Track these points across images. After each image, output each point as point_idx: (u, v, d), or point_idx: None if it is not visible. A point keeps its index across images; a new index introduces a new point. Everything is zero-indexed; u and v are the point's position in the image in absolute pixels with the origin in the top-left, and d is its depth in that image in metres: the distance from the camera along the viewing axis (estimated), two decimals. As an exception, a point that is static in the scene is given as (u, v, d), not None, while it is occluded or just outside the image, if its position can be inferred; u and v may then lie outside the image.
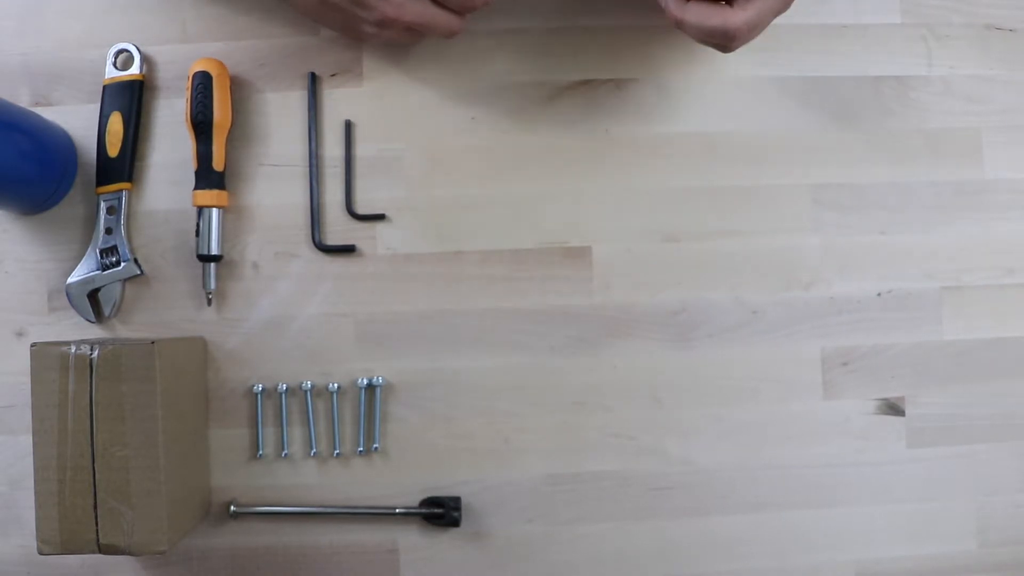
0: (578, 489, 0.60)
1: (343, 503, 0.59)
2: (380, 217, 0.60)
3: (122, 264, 0.57)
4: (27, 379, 0.49)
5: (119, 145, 0.58)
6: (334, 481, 0.59)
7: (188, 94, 0.57)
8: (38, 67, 0.59)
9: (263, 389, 0.58)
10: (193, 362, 0.57)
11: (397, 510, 0.58)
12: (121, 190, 0.58)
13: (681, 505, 0.60)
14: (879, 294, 0.61)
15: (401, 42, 0.57)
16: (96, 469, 0.49)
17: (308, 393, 0.58)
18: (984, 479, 0.61)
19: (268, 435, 0.59)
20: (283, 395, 0.58)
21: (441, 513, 0.58)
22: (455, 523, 0.58)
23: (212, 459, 0.58)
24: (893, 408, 0.61)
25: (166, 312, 0.59)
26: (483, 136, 0.60)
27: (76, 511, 0.49)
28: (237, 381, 0.59)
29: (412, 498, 0.59)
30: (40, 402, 0.49)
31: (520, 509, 0.60)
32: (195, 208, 0.57)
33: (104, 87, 0.58)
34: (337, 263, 0.59)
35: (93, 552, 0.49)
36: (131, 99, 0.58)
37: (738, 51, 0.51)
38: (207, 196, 0.57)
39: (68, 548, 0.49)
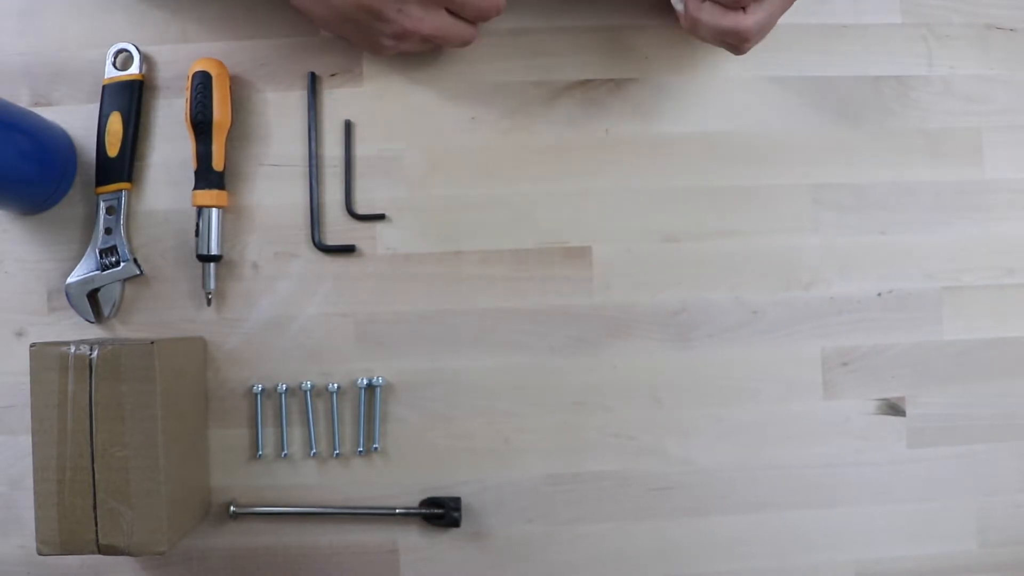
0: (578, 489, 0.60)
1: (343, 503, 0.59)
2: (380, 217, 0.60)
3: (122, 264, 0.57)
4: (26, 379, 0.49)
5: (119, 145, 0.57)
6: (334, 481, 0.59)
7: (188, 94, 0.57)
8: (38, 67, 0.59)
9: (263, 389, 0.58)
10: (193, 362, 0.57)
11: (397, 510, 0.58)
12: (121, 190, 0.58)
13: (681, 505, 0.60)
14: (879, 294, 0.61)
15: (415, 52, 0.57)
16: (96, 469, 0.49)
17: (308, 393, 0.58)
18: (984, 479, 0.61)
19: (268, 435, 0.59)
20: (283, 395, 0.58)
21: (441, 513, 0.58)
22: (455, 523, 0.58)
23: (212, 459, 0.58)
24: (893, 408, 0.61)
25: (166, 312, 0.59)
26: (483, 136, 0.60)
27: (75, 511, 0.49)
28: (237, 381, 0.59)
29: (412, 498, 0.59)
30: (39, 402, 0.49)
31: (520, 509, 0.60)
32: (195, 208, 0.57)
33: (104, 87, 0.58)
34: (337, 263, 0.59)
35: (92, 552, 0.49)
36: (131, 99, 0.58)
37: (738, 51, 0.52)
38: (207, 196, 0.57)
39: (67, 548, 0.49)
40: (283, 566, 0.58)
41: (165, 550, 0.49)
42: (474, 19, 0.55)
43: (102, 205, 0.58)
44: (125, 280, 0.58)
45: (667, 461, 0.60)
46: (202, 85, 0.56)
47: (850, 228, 0.61)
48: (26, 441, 0.51)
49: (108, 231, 0.58)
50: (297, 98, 0.60)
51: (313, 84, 0.59)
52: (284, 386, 0.58)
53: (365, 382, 0.58)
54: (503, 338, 0.60)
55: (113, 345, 0.49)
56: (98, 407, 0.49)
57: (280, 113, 0.60)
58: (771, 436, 0.60)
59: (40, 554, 0.49)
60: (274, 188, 0.59)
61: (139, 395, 0.49)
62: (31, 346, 0.49)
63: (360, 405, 0.59)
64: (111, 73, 0.58)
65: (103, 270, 0.57)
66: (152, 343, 0.50)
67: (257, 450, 0.58)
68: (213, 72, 0.56)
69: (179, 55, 0.59)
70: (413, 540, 0.59)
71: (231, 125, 0.58)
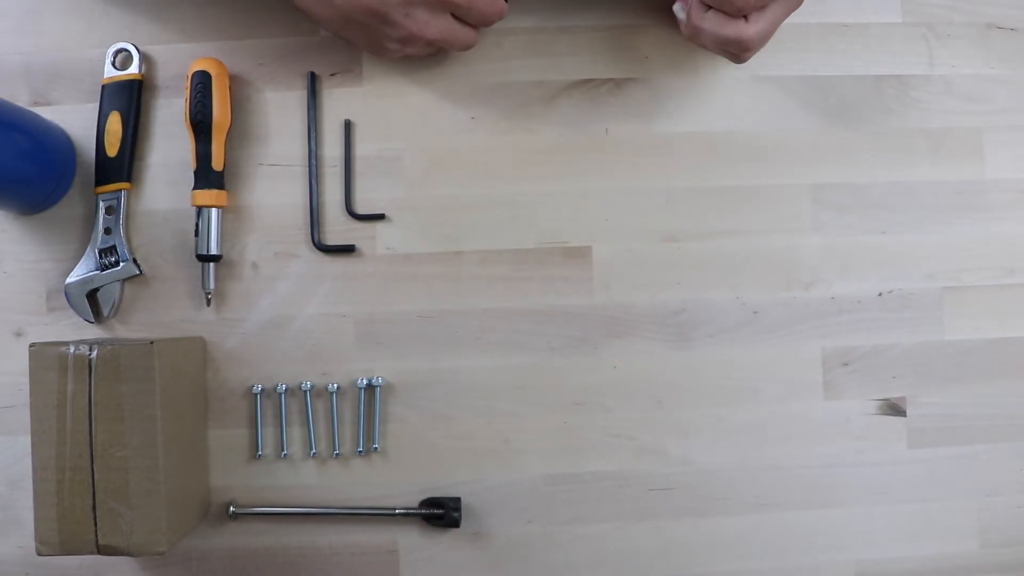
0: (578, 489, 0.60)
1: (343, 504, 0.59)
2: (380, 217, 0.59)
3: (121, 264, 0.57)
4: (26, 379, 0.49)
5: (118, 145, 0.57)
6: (334, 482, 0.59)
7: (187, 93, 0.56)
8: (37, 66, 0.59)
9: (262, 389, 0.58)
10: (192, 362, 0.57)
11: (397, 511, 0.58)
12: (120, 190, 0.58)
13: (681, 505, 0.60)
14: (880, 294, 0.61)
15: (419, 55, 0.57)
16: (95, 469, 0.49)
17: (308, 393, 0.58)
18: (985, 479, 0.61)
19: (267, 435, 0.59)
20: (282, 395, 0.58)
21: (441, 514, 0.58)
22: (455, 523, 0.58)
23: (211, 459, 0.58)
24: (894, 408, 0.61)
25: (165, 312, 0.59)
26: (483, 136, 0.60)
27: (75, 512, 0.49)
28: (236, 381, 0.59)
29: (412, 498, 0.59)
30: (39, 402, 0.49)
31: (520, 509, 0.59)
32: (194, 208, 0.57)
33: (103, 87, 0.58)
34: (337, 263, 0.59)
35: (92, 553, 0.49)
36: (130, 99, 0.58)
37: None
38: (206, 196, 0.57)
39: (67, 549, 0.49)
40: (283, 566, 0.58)
41: (164, 550, 0.49)
42: (478, 24, 0.55)
43: (101, 205, 0.57)
44: (124, 280, 0.58)
45: (667, 461, 0.60)
46: (202, 85, 0.56)
47: (850, 228, 0.61)
48: (25, 441, 0.51)
49: (107, 231, 0.57)
50: (297, 98, 0.60)
51: (313, 84, 0.59)
52: (284, 386, 0.58)
53: (365, 382, 0.58)
54: (503, 338, 0.60)
55: (112, 345, 0.49)
56: (97, 407, 0.49)
57: (280, 113, 0.59)
58: (771, 436, 0.60)
59: (39, 554, 0.49)
60: (274, 188, 0.59)
61: (138, 395, 0.49)
62: (30, 346, 0.49)
63: (360, 405, 0.59)
64: (110, 73, 0.58)
65: (102, 270, 0.57)
66: (152, 343, 0.49)
67: (257, 450, 0.58)
68: (213, 72, 0.56)
69: (178, 55, 0.59)
70: (413, 540, 0.59)
71: (231, 125, 0.58)
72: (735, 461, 0.60)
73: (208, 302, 0.58)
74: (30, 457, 0.49)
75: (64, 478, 0.49)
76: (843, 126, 0.62)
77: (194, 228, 0.57)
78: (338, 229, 0.59)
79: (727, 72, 0.61)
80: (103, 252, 0.57)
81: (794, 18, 0.55)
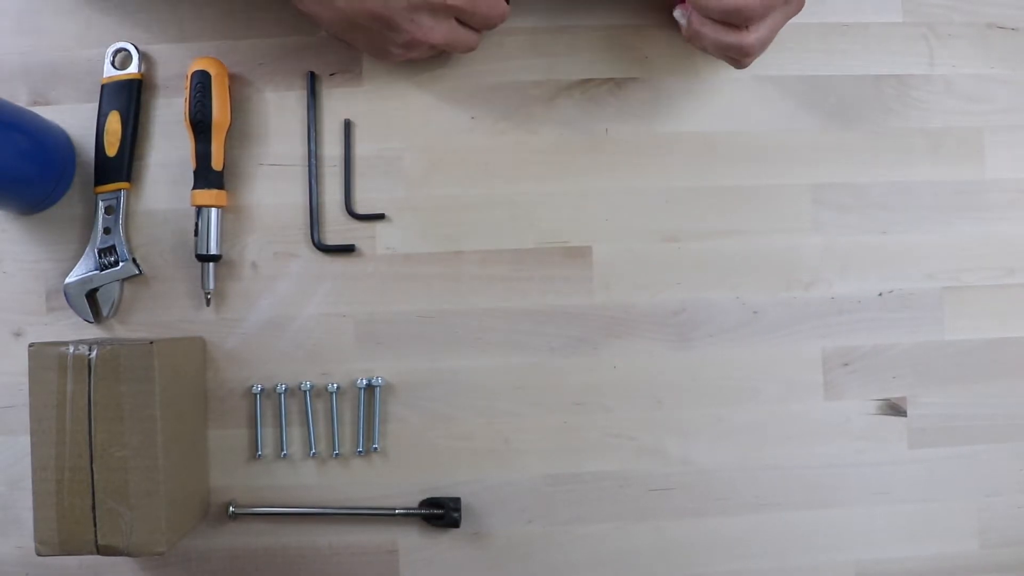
0: (578, 489, 0.60)
1: (342, 504, 0.59)
2: (380, 217, 0.59)
3: (120, 264, 0.57)
4: (25, 379, 0.49)
5: (117, 144, 0.57)
6: (333, 482, 0.59)
7: (187, 93, 0.56)
8: (36, 66, 0.59)
9: (262, 389, 0.58)
10: (192, 362, 0.57)
11: (397, 511, 0.58)
12: (119, 190, 0.58)
13: (681, 505, 0.60)
14: (880, 294, 0.61)
15: (421, 59, 0.57)
16: (94, 470, 0.49)
17: (307, 393, 0.58)
18: (985, 479, 0.61)
19: (267, 435, 0.59)
20: (282, 395, 0.58)
21: (441, 514, 0.58)
22: (455, 524, 0.58)
23: (211, 460, 0.58)
24: (894, 408, 0.61)
25: (165, 312, 0.59)
26: (483, 136, 0.60)
27: (74, 512, 0.49)
28: (236, 381, 0.59)
29: (412, 499, 0.59)
30: (38, 402, 0.49)
31: (520, 509, 0.59)
32: (194, 208, 0.57)
33: (102, 86, 0.58)
34: (337, 263, 0.59)
35: (91, 553, 0.49)
36: (129, 98, 0.58)
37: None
38: (206, 196, 0.57)
39: (66, 549, 0.49)
40: (282, 566, 0.58)
41: (164, 550, 0.49)
42: (481, 27, 0.55)
43: (101, 205, 0.57)
44: (124, 280, 0.58)
45: (667, 461, 0.60)
46: (201, 84, 0.56)
47: (850, 228, 0.61)
48: (25, 441, 0.51)
49: (107, 231, 0.57)
50: (296, 98, 0.59)
51: (313, 84, 0.59)
52: (283, 386, 0.58)
53: (365, 382, 0.58)
54: (503, 338, 0.60)
55: (112, 345, 0.49)
56: (97, 407, 0.49)
57: (279, 113, 0.59)
58: (771, 436, 0.60)
59: (39, 554, 0.49)
60: (273, 188, 0.59)
61: (138, 395, 0.49)
62: (30, 346, 0.49)
63: (360, 405, 0.58)
64: (110, 72, 0.58)
65: (102, 270, 0.57)
66: (151, 343, 0.49)
67: (256, 450, 0.58)
68: (212, 71, 0.56)
69: (178, 54, 0.59)
70: (413, 540, 0.59)
71: (230, 124, 0.58)
72: (735, 461, 0.60)
73: (208, 302, 0.58)
74: (30, 457, 0.49)
75: (64, 478, 0.49)
76: (843, 126, 0.61)
77: (194, 228, 0.57)
78: (338, 229, 0.59)
79: (727, 72, 0.61)
80: (102, 252, 0.57)
81: (794, 18, 0.55)
